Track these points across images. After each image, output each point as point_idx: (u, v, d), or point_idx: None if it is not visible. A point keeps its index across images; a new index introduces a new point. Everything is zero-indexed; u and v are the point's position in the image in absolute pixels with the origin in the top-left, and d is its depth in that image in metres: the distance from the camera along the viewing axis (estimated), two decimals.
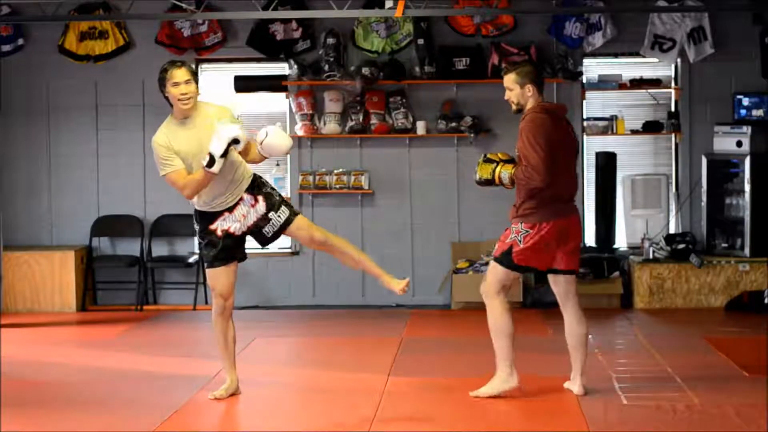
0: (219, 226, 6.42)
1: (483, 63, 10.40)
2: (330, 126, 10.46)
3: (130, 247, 10.68)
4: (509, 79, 6.43)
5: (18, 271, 10.30)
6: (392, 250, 10.49)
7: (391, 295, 6.90)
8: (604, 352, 7.90)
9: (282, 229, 6.46)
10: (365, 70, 10.34)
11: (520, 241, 6.34)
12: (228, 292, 6.50)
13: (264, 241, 6.53)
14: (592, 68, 10.64)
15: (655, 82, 10.53)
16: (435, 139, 10.52)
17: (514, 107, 6.47)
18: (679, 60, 10.42)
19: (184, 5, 9.75)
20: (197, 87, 6.29)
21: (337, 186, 10.49)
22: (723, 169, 10.27)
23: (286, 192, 10.50)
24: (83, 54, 10.61)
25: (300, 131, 10.50)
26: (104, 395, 6.88)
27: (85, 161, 10.73)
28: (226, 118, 6.25)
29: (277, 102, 10.65)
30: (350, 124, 10.48)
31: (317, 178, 10.53)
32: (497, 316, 6.44)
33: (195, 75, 6.30)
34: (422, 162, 10.58)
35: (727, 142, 10.10)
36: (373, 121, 10.48)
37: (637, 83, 10.50)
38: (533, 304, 10.09)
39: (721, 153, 10.19)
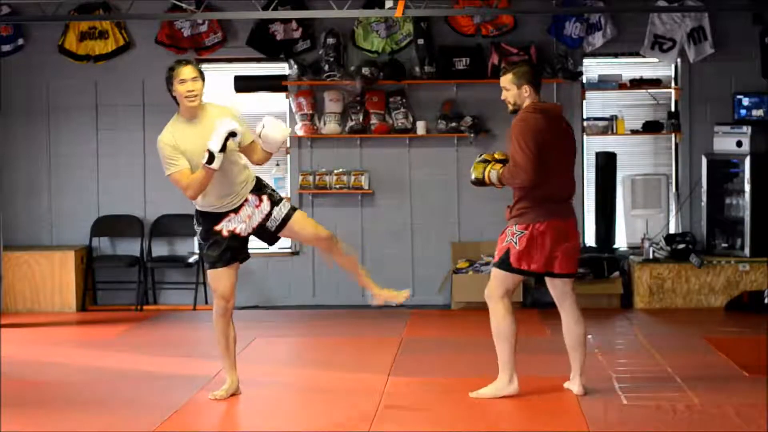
0: (225, 226, 6.43)
1: (483, 63, 10.40)
2: (330, 126, 10.45)
3: (130, 247, 10.68)
4: (506, 80, 6.43)
5: (18, 271, 10.30)
6: (392, 250, 10.50)
7: None
8: (604, 352, 7.90)
9: (284, 222, 6.48)
10: (365, 70, 10.34)
11: (515, 243, 6.34)
12: (229, 294, 6.51)
13: (270, 238, 6.55)
14: (592, 68, 10.64)
15: (655, 82, 10.53)
16: (435, 139, 10.52)
17: (510, 107, 6.46)
18: (679, 60, 10.42)
19: (184, 5, 9.75)
20: (203, 85, 6.31)
21: (337, 186, 10.49)
22: (723, 169, 10.27)
23: (286, 192, 10.50)
24: (83, 54, 10.61)
25: (300, 131, 10.50)
26: (104, 395, 6.88)
27: (85, 161, 10.73)
28: (228, 117, 6.26)
29: (277, 102, 10.64)
30: (350, 124, 10.48)
31: (317, 178, 10.53)
32: (499, 319, 6.44)
33: (201, 73, 6.32)
34: (422, 162, 10.57)
35: (727, 142, 10.10)
36: (373, 121, 10.47)
37: (637, 83, 10.50)
38: (533, 304, 10.08)
39: (721, 153, 10.19)
